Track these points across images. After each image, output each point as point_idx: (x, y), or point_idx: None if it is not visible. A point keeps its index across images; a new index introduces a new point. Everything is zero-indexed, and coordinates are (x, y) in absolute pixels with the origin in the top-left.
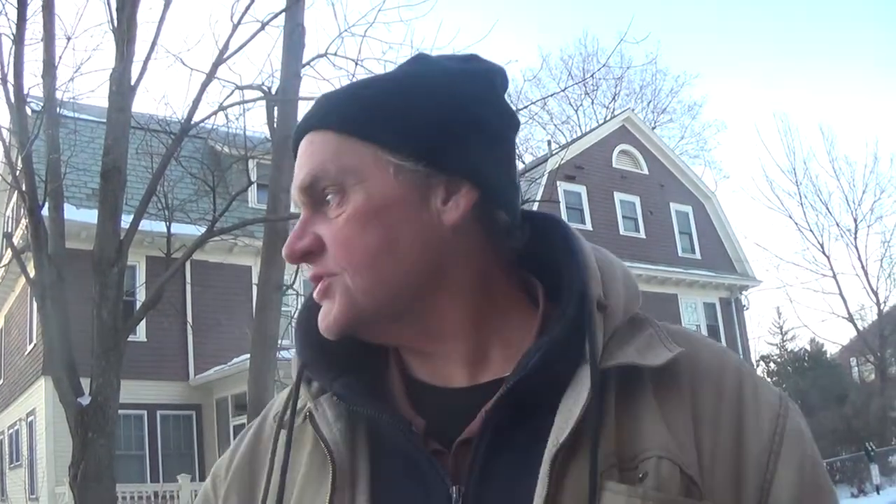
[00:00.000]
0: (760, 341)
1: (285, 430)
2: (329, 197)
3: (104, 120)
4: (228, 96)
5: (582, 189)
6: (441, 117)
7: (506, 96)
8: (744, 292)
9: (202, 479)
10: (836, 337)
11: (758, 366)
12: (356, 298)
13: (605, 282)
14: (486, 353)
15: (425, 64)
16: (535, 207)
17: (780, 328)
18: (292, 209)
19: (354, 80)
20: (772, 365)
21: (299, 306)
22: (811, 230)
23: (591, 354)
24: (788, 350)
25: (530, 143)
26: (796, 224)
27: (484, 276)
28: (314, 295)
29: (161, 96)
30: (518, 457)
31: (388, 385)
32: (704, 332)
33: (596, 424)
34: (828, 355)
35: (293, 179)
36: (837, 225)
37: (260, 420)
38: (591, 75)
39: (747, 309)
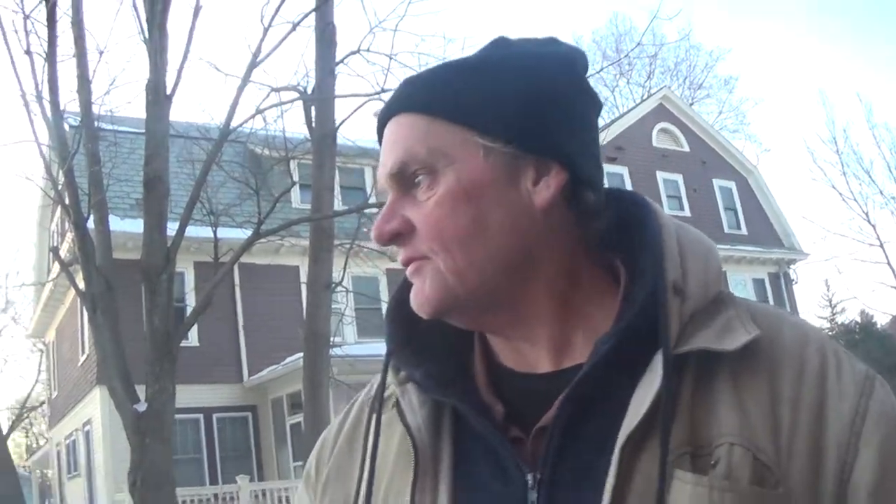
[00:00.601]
0: (811, 315)
1: (389, 418)
2: (419, 180)
3: (143, 130)
4: (265, 99)
5: (624, 170)
6: (528, 99)
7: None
8: (792, 266)
9: (261, 479)
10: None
11: None
12: (448, 281)
13: (685, 263)
14: (570, 338)
15: (507, 47)
16: None
17: (830, 301)
18: (336, 207)
19: (431, 65)
20: None
21: (350, 302)
22: (855, 199)
23: (663, 340)
24: (839, 323)
25: None
26: (840, 194)
27: (571, 259)
28: (407, 273)
29: (198, 103)
30: (592, 444)
31: (473, 371)
32: None
33: (667, 412)
34: (878, 326)
35: (380, 164)
36: (881, 193)
37: (347, 408)
38: (625, 55)
39: (796, 283)
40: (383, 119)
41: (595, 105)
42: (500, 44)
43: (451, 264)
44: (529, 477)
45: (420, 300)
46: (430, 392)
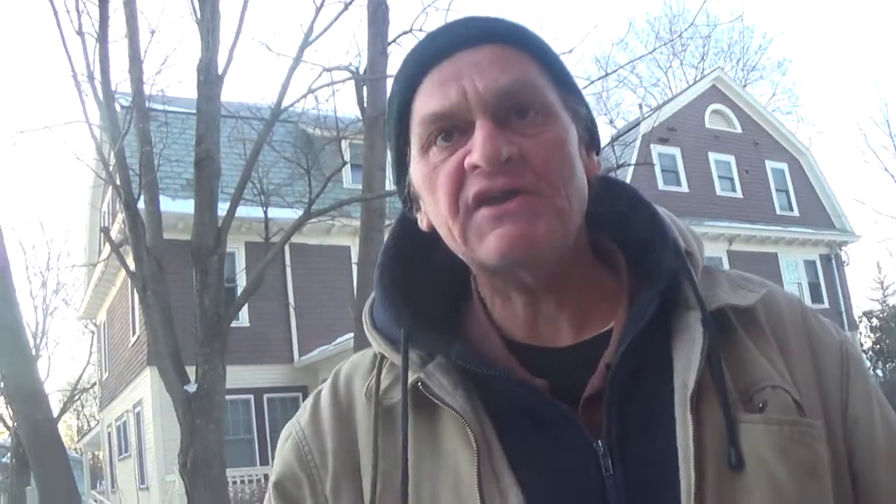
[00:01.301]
0: (862, 297)
1: (384, 405)
2: (528, 111)
3: (194, 110)
4: (317, 79)
5: (676, 151)
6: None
7: None
8: (843, 248)
9: None
10: None
11: (860, 322)
12: (562, 213)
13: (682, 231)
14: (589, 308)
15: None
16: (630, 171)
17: (882, 283)
18: (387, 187)
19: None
20: (874, 321)
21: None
22: None
23: (697, 298)
24: (891, 305)
25: (621, 107)
26: (892, 176)
27: (589, 232)
28: (498, 212)
29: (249, 83)
30: (648, 404)
31: (487, 349)
32: (806, 289)
33: (719, 363)
34: None
35: (477, 76)
36: None
37: (331, 395)
38: (679, 36)
39: (848, 265)
40: (473, 38)
41: None
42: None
43: (564, 206)
44: (598, 444)
45: (529, 239)
46: (477, 369)
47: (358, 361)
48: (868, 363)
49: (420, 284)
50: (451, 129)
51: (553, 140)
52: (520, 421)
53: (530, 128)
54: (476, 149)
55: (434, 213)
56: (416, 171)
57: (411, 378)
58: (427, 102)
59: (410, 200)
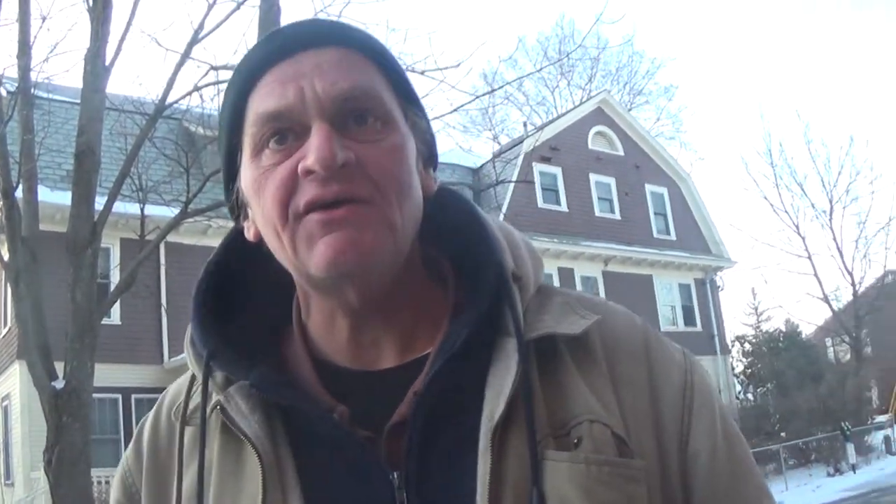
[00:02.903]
0: (736, 322)
1: (190, 427)
2: (367, 117)
3: (79, 101)
4: (203, 76)
5: (557, 170)
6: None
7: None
8: (719, 273)
9: None
10: (811, 317)
11: (733, 346)
12: (392, 225)
13: (518, 252)
14: (416, 330)
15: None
16: (510, 189)
17: (756, 309)
18: None
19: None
20: (747, 345)
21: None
22: (786, 211)
23: (515, 326)
24: (764, 331)
25: (506, 124)
26: (771, 205)
27: (415, 250)
28: (328, 218)
29: (135, 77)
30: (454, 435)
31: (297, 373)
32: (679, 312)
33: (529, 395)
34: (803, 336)
35: (314, 79)
36: (812, 206)
37: (153, 418)
38: (567, 56)
39: (722, 290)
40: (314, 40)
41: None
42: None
43: (394, 216)
44: (394, 475)
45: (358, 249)
46: (272, 394)
47: (181, 383)
48: (739, 387)
49: (245, 302)
50: (285, 131)
51: (391, 149)
52: (320, 449)
53: (369, 135)
54: (311, 152)
55: (262, 220)
56: (246, 175)
57: (214, 400)
58: (262, 102)
59: (238, 208)
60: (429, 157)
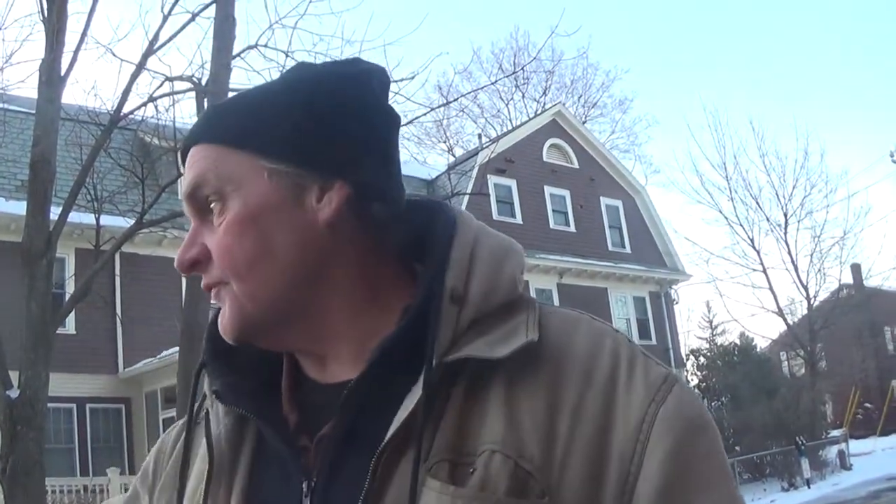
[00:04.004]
0: (690, 335)
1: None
2: (212, 206)
3: (33, 111)
4: (158, 87)
5: (512, 182)
6: (311, 120)
7: (389, 94)
8: (673, 286)
9: (132, 472)
10: (766, 331)
11: (687, 359)
12: (243, 305)
13: (473, 269)
14: (369, 348)
15: (302, 71)
16: (465, 200)
17: (710, 322)
18: None
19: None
20: (701, 359)
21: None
22: (741, 225)
23: (427, 348)
24: (718, 344)
25: (461, 136)
26: (726, 218)
27: (366, 272)
28: (212, 300)
29: (91, 87)
30: (364, 451)
31: (279, 385)
32: (634, 325)
33: (422, 421)
34: (758, 349)
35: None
36: (768, 220)
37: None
38: (522, 68)
39: (677, 303)
40: (185, 147)
41: (390, 119)
42: (298, 68)
43: (242, 288)
44: (304, 484)
45: (223, 328)
46: (227, 402)
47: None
48: None
49: None
50: None
51: (225, 231)
52: (269, 455)
53: (217, 219)
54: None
55: None
56: None
57: (207, 405)
58: None
59: None
60: (329, 182)
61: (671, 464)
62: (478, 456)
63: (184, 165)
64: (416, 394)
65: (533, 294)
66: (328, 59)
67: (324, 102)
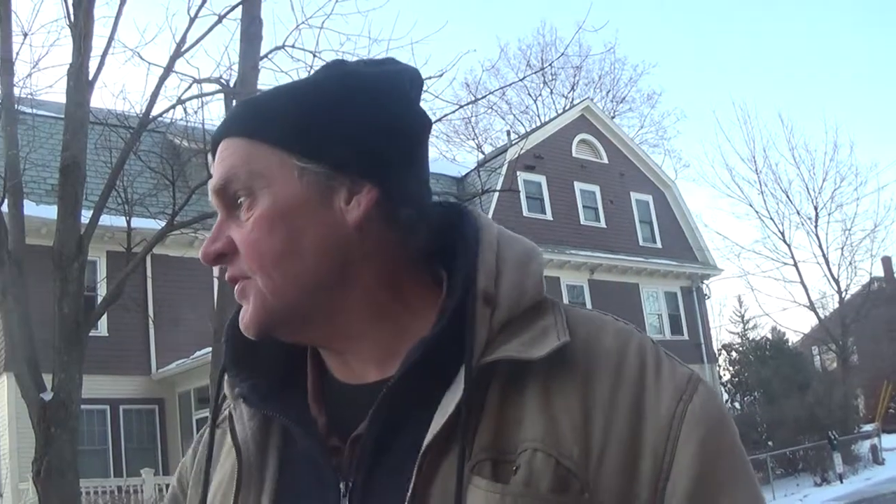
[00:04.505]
0: (722, 330)
1: (219, 430)
2: (240, 201)
3: (62, 115)
4: (186, 90)
5: (542, 179)
6: (343, 121)
7: (422, 96)
8: (705, 281)
9: (165, 472)
10: (797, 325)
11: (719, 355)
12: (267, 299)
13: (501, 271)
14: (396, 349)
15: (336, 69)
16: (494, 198)
17: (742, 317)
18: None
19: (277, 85)
20: (734, 354)
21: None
22: (772, 218)
23: (467, 350)
24: (750, 339)
25: (490, 133)
26: (757, 212)
27: (391, 274)
28: (235, 295)
29: (119, 91)
30: (403, 451)
31: (304, 385)
32: (665, 321)
33: (466, 419)
34: (790, 344)
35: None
36: (798, 213)
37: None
38: (550, 64)
39: (709, 298)
40: (215, 141)
41: (421, 123)
42: (332, 66)
43: (268, 283)
44: (343, 484)
45: (245, 323)
46: (253, 405)
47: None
48: (726, 396)
49: None
50: None
51: (254, 225)
52: (300, 456)
53: (245, 213)
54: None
55: None
56: None
57: (230, 407)
58: None
59: None
60: (359, 184)
61: (702, 458)
62: (518, 454)
63: (213, 159)
64: (455, 393)
65: (564, 291)
66: (356, 59)
67: (357, 103)
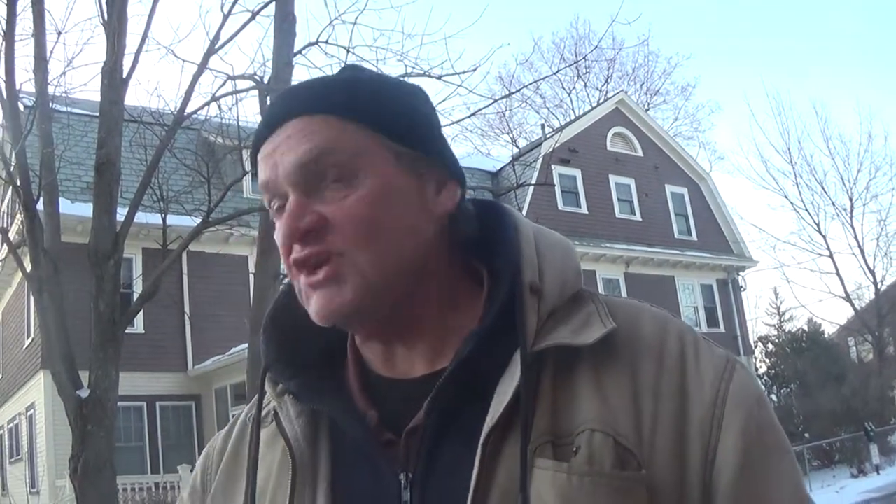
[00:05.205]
0: (758, 322)
1: (265, 428)
2: (330, 175)
3: (97, 113)
4: (221, 87)
5: (577, 172)
6: (424, 113)
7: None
8: (741, 273)
9: None
10: (833, 317)
11: (756, 347)
12: (367, 275)
13: (542, 264)
14: (445, 340)
15: (372, 72)
16: (529, 191)
17: (778, 309)
18: None
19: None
20: (770, 346)
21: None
22: (807, 210)
23: (520, 338)
24: (786, 331)
25: (524, 127)
26: (792, 204)
27: (452, 268)
28: (312, 281)
29: (153, 88)
30: (461, 441)
31: (346, 381)
32: (702, 313)
33: (526, 404)
34: (825, 335)
35: (278, 157)
36: (833, 204)
37: (242, 419)
38: (584, 58)
39: (744, 290)
40: (283, 117)
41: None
42: (361, 68)
43: (368, 258)
44: (402, 476)
45: (338, 304)
46: (304, 402)
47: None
48: (763, 388)
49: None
50: (276, 198)
51: (358, 201)
52: (352, 450)
53: (335, 191)
54: (279, 227)
55: None
56: None
57: (272, 405)
58: (259, 174)
59: None
60: (445, 178)
61: (746, 435)
62: (576, 436)
63: (264, 136)
64: (511, 381)
65: (600, 284)
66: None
67: (426, 102)
